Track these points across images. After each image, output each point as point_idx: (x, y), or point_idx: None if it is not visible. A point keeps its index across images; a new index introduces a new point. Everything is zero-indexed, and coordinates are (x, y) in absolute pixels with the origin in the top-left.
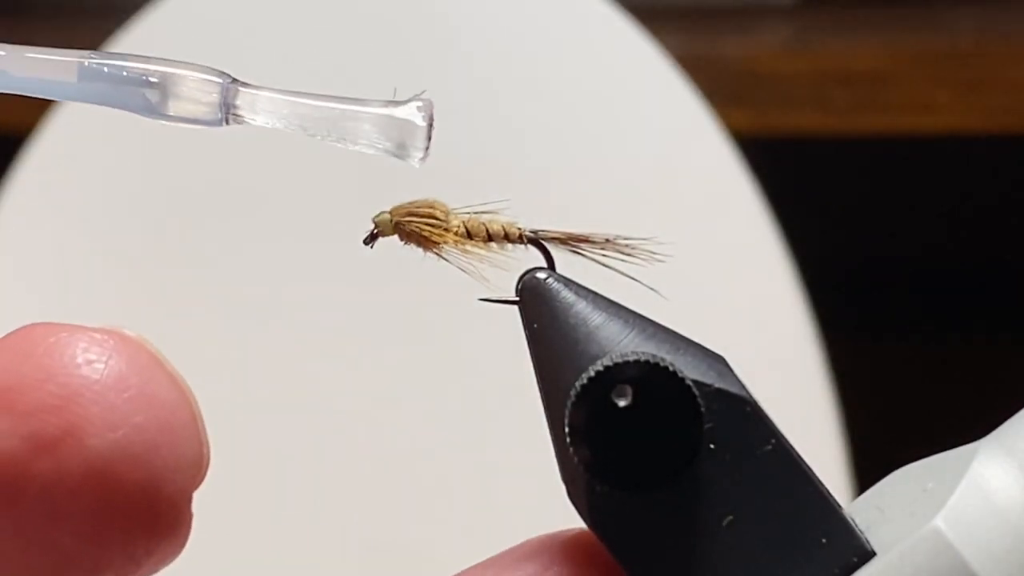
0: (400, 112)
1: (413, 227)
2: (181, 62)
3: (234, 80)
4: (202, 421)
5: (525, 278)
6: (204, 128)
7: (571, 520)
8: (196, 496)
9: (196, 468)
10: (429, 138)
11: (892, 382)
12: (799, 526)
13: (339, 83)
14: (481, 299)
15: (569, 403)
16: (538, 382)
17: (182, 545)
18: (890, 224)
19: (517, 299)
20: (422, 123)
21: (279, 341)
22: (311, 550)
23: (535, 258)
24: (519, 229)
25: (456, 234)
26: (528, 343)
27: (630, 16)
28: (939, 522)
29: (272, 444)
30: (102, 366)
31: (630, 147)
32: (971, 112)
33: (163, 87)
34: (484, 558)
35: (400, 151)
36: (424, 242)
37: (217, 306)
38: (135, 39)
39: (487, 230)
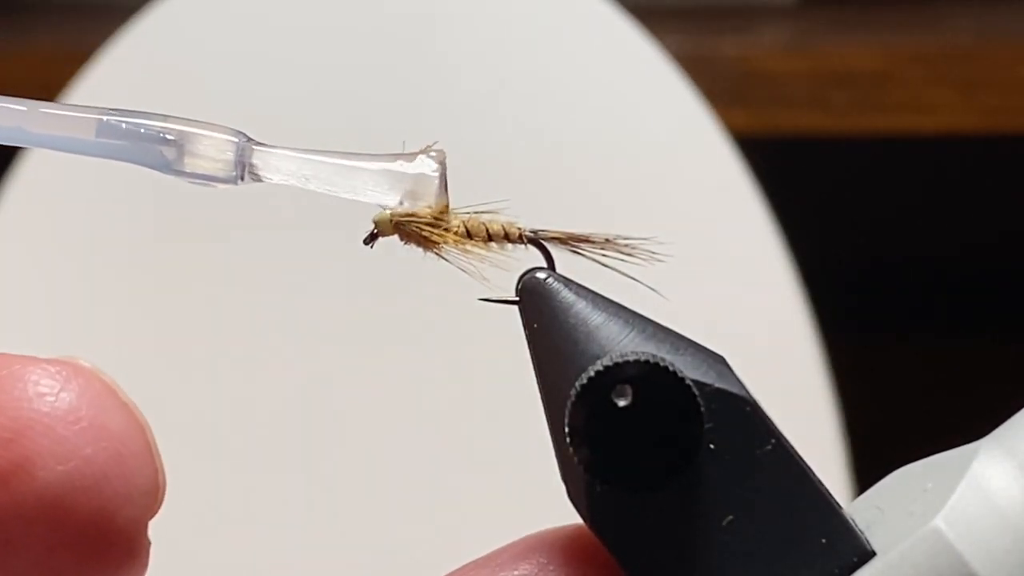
0: (412, 167)
1: (413, 227)
2: (198, 121)
3: (249, 139)
4: (156, 450)
5: (525, 278)
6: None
7: (570, 520)
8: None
9: (151, 497)
10: (444, 187)
11: (892, 382)
12: (799, 526)
13: (339, 81)
14: (481, 299)
15: (569, 403)
16: (538, 382)
17: (141, 573)
18: (890, 224)
19: (517, 299)
20: (434, 175)
21: (277, 341)
22: (311, 551)
23: (535, 258)
24: (519, 229)
25: (456, 234)
26: (528, 343)
27: (630, 16)
28: (939, 522)
29: (271, 446)
30: (53, 399)
31: (630, 147)
32: (971, 112)
33: (180, 145)
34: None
35: (416, 202)
36: (424, 242)
37: (215, 305)
38: (135, 39)
39: (487, 230)
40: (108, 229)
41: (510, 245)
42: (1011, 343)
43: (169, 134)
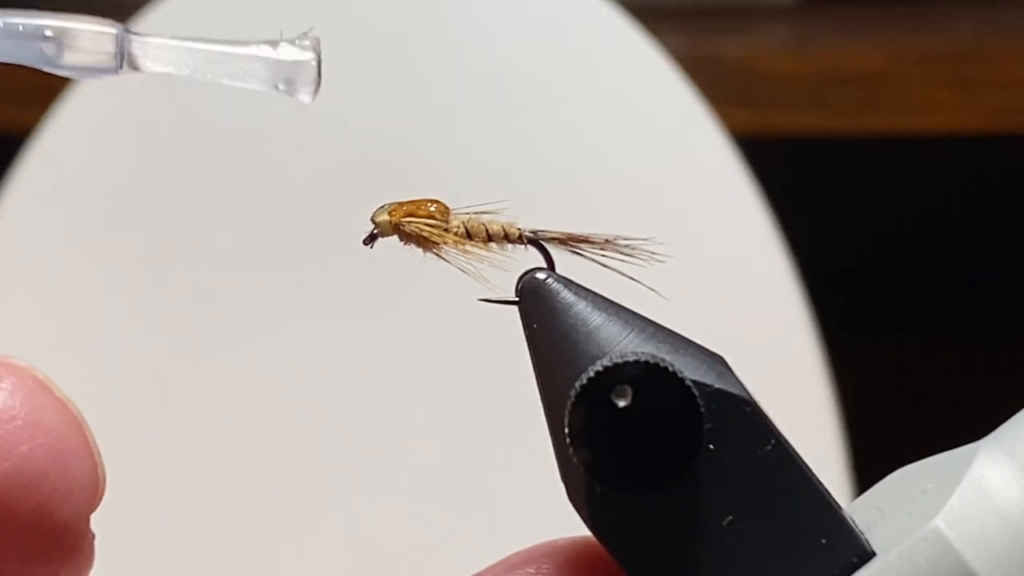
0: (287, 52)
1: (413, 227)
2: (75, 15)
3: (127, 29)
4: (95, 444)
5: (525, 278)
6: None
7: (571, 521)
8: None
9: (91, 491)
10: (319, 74)
11: (892, 382)
12: (799, 526)
13: (339, 82)
14: (481, 299)
15: (569, 404)
16: (538, 383)
17: (86, 566)
18: (890, 224)
19: (517, 299)
20: (311, 61)
21: (277, 341)
22: (311, 554)
23: (535, 258)
24: (519, 229)
25: (456, 234)
26: (528, 343)
27: (630, 16)
28: (939, 522)
29: (270, 447)
30: None
31: (630, 147)
32: (971, 112)
33: (59, 40)
34: (483, 563)
35: (291, 89)
36: (424, 242)
37: (216, 305)
38: None
39: (487, 230)
40: (111, 224)
41: (510, 245)
42: (1011, 343)
43: (48, 30)
